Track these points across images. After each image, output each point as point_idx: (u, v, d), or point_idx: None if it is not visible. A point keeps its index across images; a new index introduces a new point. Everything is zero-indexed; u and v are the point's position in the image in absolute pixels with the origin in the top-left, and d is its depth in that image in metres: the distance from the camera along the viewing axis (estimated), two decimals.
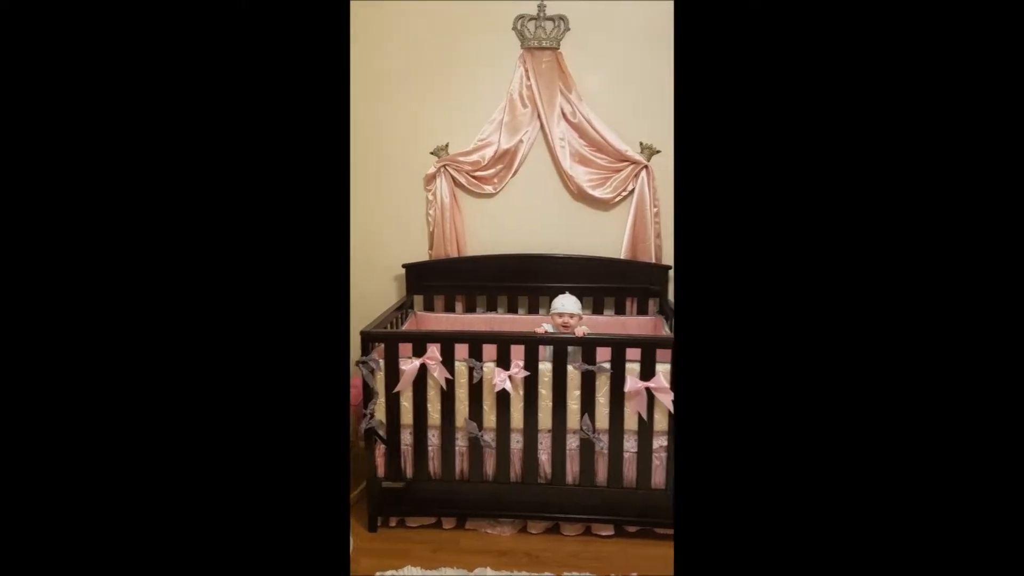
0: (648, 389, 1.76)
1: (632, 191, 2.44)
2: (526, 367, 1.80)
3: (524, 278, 2.47)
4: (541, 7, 2.38)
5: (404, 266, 2.52)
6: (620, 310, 2.48)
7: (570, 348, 1.81)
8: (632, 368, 1.77)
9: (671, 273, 2.44)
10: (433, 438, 1.89)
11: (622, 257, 2.47)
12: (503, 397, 1.81)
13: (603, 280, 2.45)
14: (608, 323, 2.44)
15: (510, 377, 1.79)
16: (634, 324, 2.44)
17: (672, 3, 2.25)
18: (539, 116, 2.43)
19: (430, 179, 2.51)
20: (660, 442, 1.83)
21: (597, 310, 2.48)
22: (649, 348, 1.77)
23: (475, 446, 1.86)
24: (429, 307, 2.55)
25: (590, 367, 1.78)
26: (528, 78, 2.42)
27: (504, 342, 1.81)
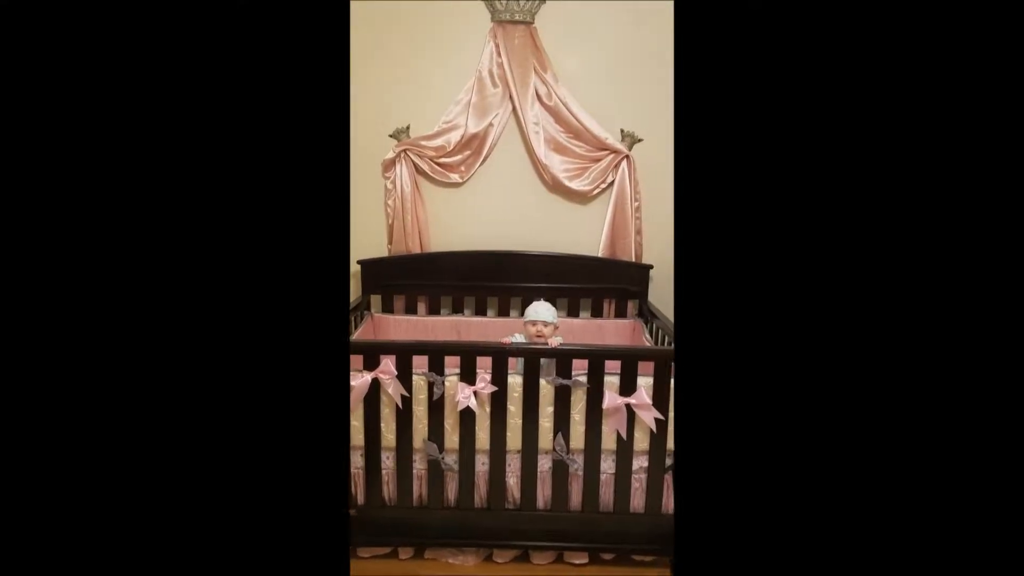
0: (628, 406, 1.59)
1: (612, 183, 2.25)
2: (493, 381, 1.59)
3: (493, 277, 2.26)
4: None
5: (359, 263, 2.27)
6: (597, 312, 2.31)
7: (543, 360, 1.62)
8: (611, 382, 1.59)
9: (652, 273, 2.27)
10: (387, 460, 1.68)
11: (600, 255, 2.29)
12: (467, 415, 1.60)
13: (579, 280, 2.27)
14: (584, 326, 2.26)
15: (475, 393, 1.59)
16: (612, 328, 2.27)
17: None
18: (511, 97, 2.20)
19: (389, 165, 2.26)
20: (640, 463, 1.66)
21: (572, 312, 2.30)
22: (630, 361, 1.59)
23: (435, 469, 1.66)
24: (388, 308, 2.31)
25: (565, 381, 1.59)
26: (499, 55, 2.18)
27: (469, 353, 1.60)
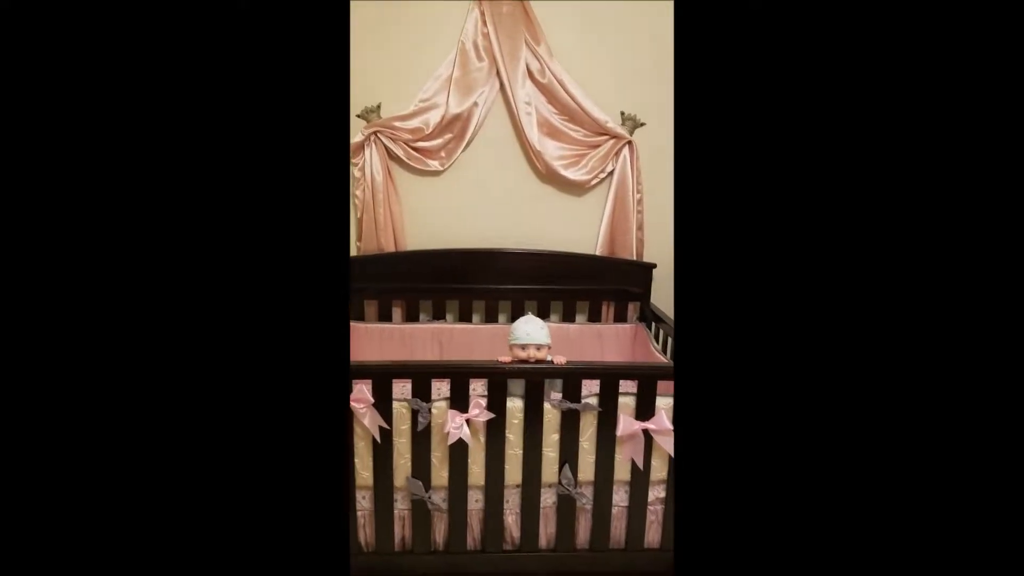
0: (646, 431, 1.38)
1: (612, 172, 2.02)
2: (490, 407, 1.35)
3: (479, 278, 2.01)
4: None
5: None
6: (595, 316, 2.09)
7: (547, 380, 1.39)
8: (625, 404, 1.38)
9: (655, 273, 2.06)
10: (364, 501, 1.43)
11: (597, 253, 2.07)
12: (459, 447, 1.36)
13: (574, 281, 2.04)
14: (581, 333, 2.04)
15: (468, 421, 1.34)
16: (612, 333, 2.06)
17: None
18: (498, 73, 1.94)
19: (356, 149, 1.96)
20: (656, 493, 1.47)
21: (568, 316, 2.08)
22: (648, 380, 1.38)
23: (420, 509, 1.41)
24: (358, 316, 2.03)
25: (573, 405, 1.37)
26: (485, 25, 1.91)
27: (460, 375, 1.35)
